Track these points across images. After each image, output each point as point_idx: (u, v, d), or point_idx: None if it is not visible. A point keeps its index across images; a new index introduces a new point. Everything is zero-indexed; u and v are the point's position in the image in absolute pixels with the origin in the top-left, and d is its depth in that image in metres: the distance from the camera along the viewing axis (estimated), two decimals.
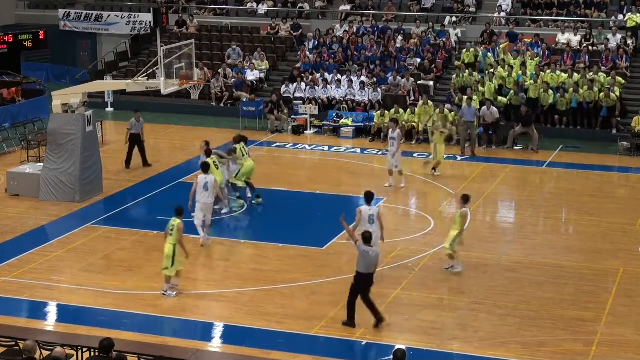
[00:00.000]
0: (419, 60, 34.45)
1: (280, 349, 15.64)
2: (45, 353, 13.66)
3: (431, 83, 33.35)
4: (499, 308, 17.35)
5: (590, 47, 33.82)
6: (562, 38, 34.68)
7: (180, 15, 40.10)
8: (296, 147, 30.55)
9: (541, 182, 27.10)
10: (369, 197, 18.48)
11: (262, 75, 35.92)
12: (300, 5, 39.55)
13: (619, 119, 30.93)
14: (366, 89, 33.13)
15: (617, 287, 18.48)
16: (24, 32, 36.65)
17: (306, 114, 32.47)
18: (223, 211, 22.77)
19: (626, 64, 32.92)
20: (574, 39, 34.42)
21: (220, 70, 35.50)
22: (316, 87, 33.79)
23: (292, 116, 32.66)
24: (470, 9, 37.66)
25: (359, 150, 30.01)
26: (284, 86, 34.31)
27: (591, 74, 31.49)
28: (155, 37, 32.70)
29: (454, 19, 36.85)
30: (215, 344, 16.16)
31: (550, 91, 31.11)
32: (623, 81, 31.62)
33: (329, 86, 33.78)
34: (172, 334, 16.33)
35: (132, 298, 17.75)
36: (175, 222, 17.66)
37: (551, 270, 19.34)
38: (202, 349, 15.39)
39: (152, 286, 18.39)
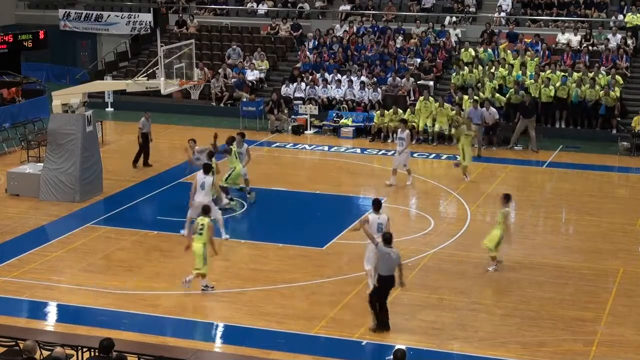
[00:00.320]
0: (419, 60, 34.46)
1: (280, 349, 15.65)
2: (45, 353, 13.66)
3: (431, 83, 33.34)
4: (499, 308, 17.36)
5: (590, 47, 33.82)
6: (562, 38, 34.69)
7: (180, 15, 40.10)
8: (296, 147, 30.55)
9: (541, 182, 27.10)
10: (377, 205, 17.93)
11: (262, 75, 35.92)
12: (300, 5, 39.55)
13: (619, 118, 30.93)
14: (366, 89, 33.13)
15: (617, 287, 18.49)
16: (24, 32, 36.65)
17: (306, 114, 32.47)
18: (224, 202, 22.87)
19: (626, 64, 32.92)
20: (574, 39, 34.42)
21: (220, 70, 35.50)
22: (316, 87, 33.80)
23: (292, 116, 32.66)
24: (470, 9, 37.66)
25: (359, 150, 30.01)
26: (284, 86, 34.31)
27: (591, 74, 31.49)
28: (155, 37, 32.69)
29: (454, 19, 36.85)
30: (215, 344, 16.16)
31: (551, 86, 31.13)
32: (622, 81, 31.60)
33: (329, 86, 33.78)
34: (172, 334, 16.32)
35: (132, 298, 17.75)
36: (205, 220, 17.72)
37: (551, 270, 19.34)
38: (202, 349, 15.38)
39: (152, 286, 18.41)
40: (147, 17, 40.28)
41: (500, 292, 18.14)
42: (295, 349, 15.72)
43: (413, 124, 30.44)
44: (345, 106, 33.11)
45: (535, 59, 32.83)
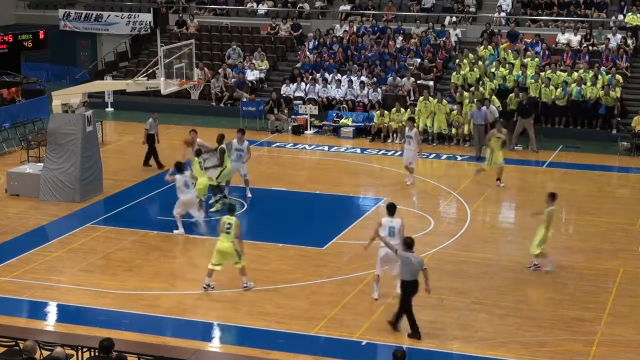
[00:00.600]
0: (419, 60, 34.46)
1: (280, 349, 15.65)
2: (45, 353, 13.66)
3: (431, 83, 33.34)
4: (499, 308, 17.35)
5: (590, 47, 33.82)
6: (562, 38, 34.68)
7: (180, 15, 40.10)
8: (296, 147, 30.55)
9: (541, 182, 27.08)
10: (391, 209, 17.56)
11: (262, 75, 35.92)
12: (300, 5, 39.55)
13: (619, 118, 30.93)
14: (366, 89, 33.13)
15: (617, 287, 18.49)
16: (24, 32, 36.65)
17: (306, 114, 32.47)
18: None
19: (626, 64, 32.92)
20: (574, 39, 34.42)
21: (220, 70, 35.50)
22: (317, 85, 33.81)
23: (292, 116, 32.66)
24: (470, 9, 37.67)
25: (359, 150, 30.01)
26: (284, 86, 34.32)
27: (592, 72, 31.52)
28: (155, 37, 32.69)
29: (454, 19, 36.85)
30: (215, 344, 16.16)
31: (552, 86, 31.13)
32: (622, 80, 31.60)
33: (328, 86, 33.78)
34: (172, 334, 16.31)
35: (131, 298, 17.75)
36: (231, 219, 17.76)
37: None
38: (202, 349, 15.39)
39: (152, 286, 18.41)
40: (147, 17, 40.28)
41: (500, 292, 18.13)
42: (295, 349, 15.72)
43: None
44: (345, 106, 33.12)
45: (536, 59, 32.82)
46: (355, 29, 36.92)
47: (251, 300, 17.67)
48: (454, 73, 32.99)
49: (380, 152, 29.74)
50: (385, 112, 31.04)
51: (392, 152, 29.74)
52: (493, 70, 32.39)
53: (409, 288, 15.92)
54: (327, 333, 16.30)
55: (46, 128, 25.88)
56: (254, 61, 36.09)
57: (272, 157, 29.46)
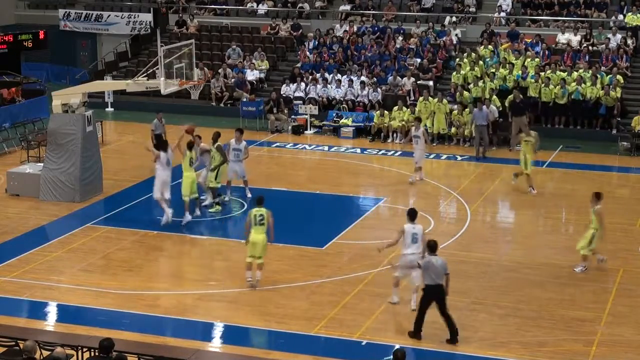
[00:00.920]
0: (419, 60, 34.46)
1: (280, 349, 15.65)
2: (45, 353, 13.66)
3: (431, 83, 33.34)
4: (499, 308, 17.35)
5: (590, 47, 33.82)
6: (562, 38, 34.68)
7: (180, 15, 40.11)
8: (296, 147, 30.55)
9: (541, 182, 27.04)
10: (413, 215, 17.12)
11: (262, 75, 35.92)
12: (300, 5, 39.55)
13: (619, 118, 30.93)
14: (366, 89, 33.13)
15: (617, 287, 18.48)
16: (24, 32, 36.69)
17: (306, 114, 32.48)
18: (206, 202, 23.20)
19: (626, 64, 32.92)
20: (574, 39, 34.41)
21: (220, 70, 35.51)
22: (316, 85, 33.82)
23: (292, 116, 32.67)
24: (470, 9, 37.67)
25: (359, 150, 30.01)
26: (284, 86, 34.32)
27: (591, 71, 31.54)
28: (155, 37, 32.70)
29: (454, 19, 36.85)
30: (215, 344, 16.16)
31: (552, 85, 31.14)
32: (622, 80, 31.61)
33: (328, 86, 33.79)
34: (172, 334, 16.31)
35: (132, 298, 17.75)
36: (262, 210, 17.88)
37: (551, 270, 19.34)
38: (202, 349, 15.39)
39: (152, 286, 18.42)
40: (147, 17, 40.28)
41: (500, 292, 18.13)
42: (295, 349, 15.72)
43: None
44: (345, 106, 33.12)
45: (536, 60, 32.81)
46: (355, 29, 36.92)
47: (251, 300, 17.68)
48: (454, 73, 33.00)
49: (380, 152, 29.74)
50: (385, 112, 31.05)
51: (392, 152, 29.75)
52: (493, 70, 32.39)
53: (431, 292, 15.67)
54: (327, 333, 16.29)
55: (46, 128, 25.89)
56: (254, 61, 36.10)
57: (272, 157, 29.46)
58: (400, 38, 35.88)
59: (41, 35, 36.58)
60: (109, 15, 41.33)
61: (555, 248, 20.82)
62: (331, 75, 34.33)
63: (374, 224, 22.65)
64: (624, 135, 30.00)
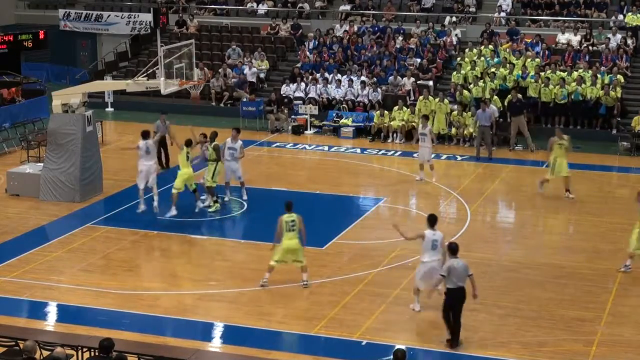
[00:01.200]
0: (419, 60, 34.46)
1: (280, 349, 15.65)
2: (45, 353, 13.66)
3: (431, 83, 33.34)
4: (499, 308, 17.35)
5: (590, 47, 33.82)
6: (562, 38, 34.69)
7: (180, 15, 40.11)
8: (296, 147, 30.55)
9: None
10: (433, 221, 16.76)
11: (262, 75, 35.92)
12: (300, 5, 39.56)
13: (619, 118, 30.93)
14: (366, 88, 33.13)
15: (617, 287, 18.48)
16: (24, 32, 36.68)
17: (306, 114, 32.48)
18: (205, 204, 23.15)
19: (626, 64, 32.92)
20: (574, 39, 34.42)
21: (220, 70, 35.51)
22: (316, 85, 33.81)
23: (292, 116, 32.67)
24: (470, 9, 37.67)
25: (359, 150, 30.01)
26: (284, 86, 34.32)
27: (591, 72, 31.55)
28: (155, 37, 32.69)
29: (454, 19, 36.85)
30: (215, 344, 16.16)
31: (551, 85, 31.14)
32: (622, 80, 31.61)
33: (328, 86, 33.79)
34: (172, 334, 16.31)
35: (132, 298, 17.74)
36: (292, 215, 17.96)
37: (551, 270, 19.34)
38: (202, 349, 15.38)
39: (152, 286, 18.41)
40: (147, 17, 40.27)
41: (500, 292, 18.12)
42: (295, 349, 15.73)
43: (413, 124, 30.43)
44: (345, 106, 33.12)
45: (536, 60, 32.81)
46: (355, 29, 36.92)
47: (251, 300, 17.67)
48: (455, 72, 33.00)
49: (380, 152, 29.74)
50: (385, 112, 31.05)
51: (392, 152, 29.75)
52: (494, 70, 32.39)
53: (454, 295, 15.55)
54: (327, 333, 16.29)
55: (46, 128, 25.88)
56: (254, 61, 36.10)
57: (272, 157, 29.46)
58: (400, 38, 35.88)
59: (41, 35, 36.58)
60: (109, 15, 41.35)
61: (555, 248, 20.82)
62: (331, 75, 34.33)
63: (374, 224, 22.63)
64: (624, 135, 29.99)
